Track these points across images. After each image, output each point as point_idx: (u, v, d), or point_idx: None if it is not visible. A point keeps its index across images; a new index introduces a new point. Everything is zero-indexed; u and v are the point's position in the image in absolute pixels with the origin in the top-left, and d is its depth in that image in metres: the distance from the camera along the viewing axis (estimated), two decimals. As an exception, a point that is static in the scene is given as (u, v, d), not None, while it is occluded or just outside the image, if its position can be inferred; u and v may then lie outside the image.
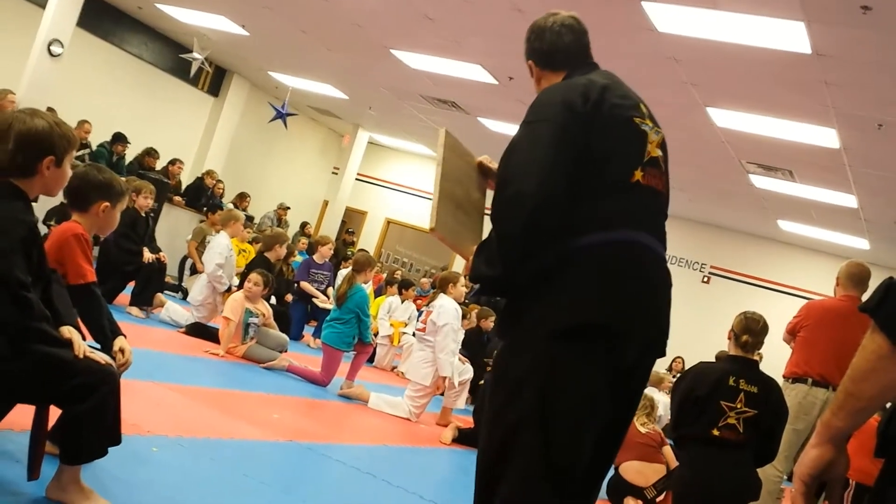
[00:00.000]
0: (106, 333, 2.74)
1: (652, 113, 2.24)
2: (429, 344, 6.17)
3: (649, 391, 6.73)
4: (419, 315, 6.44)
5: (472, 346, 7.99)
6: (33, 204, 2.45)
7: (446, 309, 6.18)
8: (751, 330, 3.91)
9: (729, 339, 4.02)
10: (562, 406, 1.92)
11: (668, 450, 5.36)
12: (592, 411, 1.96)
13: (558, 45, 2.28)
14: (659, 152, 2.16)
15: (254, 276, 6.62)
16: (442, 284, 6.46)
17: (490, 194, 2.20)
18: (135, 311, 6.96)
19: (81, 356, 2.37)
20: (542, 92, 2.16)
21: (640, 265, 2.04)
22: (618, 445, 2.18)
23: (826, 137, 7.71)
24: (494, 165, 2.37)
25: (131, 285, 7.23)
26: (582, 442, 1.95)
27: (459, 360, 6.59)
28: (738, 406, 3.75)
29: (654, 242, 2.09)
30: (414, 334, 8.01)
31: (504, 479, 1.93)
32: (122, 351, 2.70)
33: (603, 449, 2.07)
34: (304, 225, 14.60)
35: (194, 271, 9.19)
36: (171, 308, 7.22)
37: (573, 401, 1.93)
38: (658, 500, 5.22)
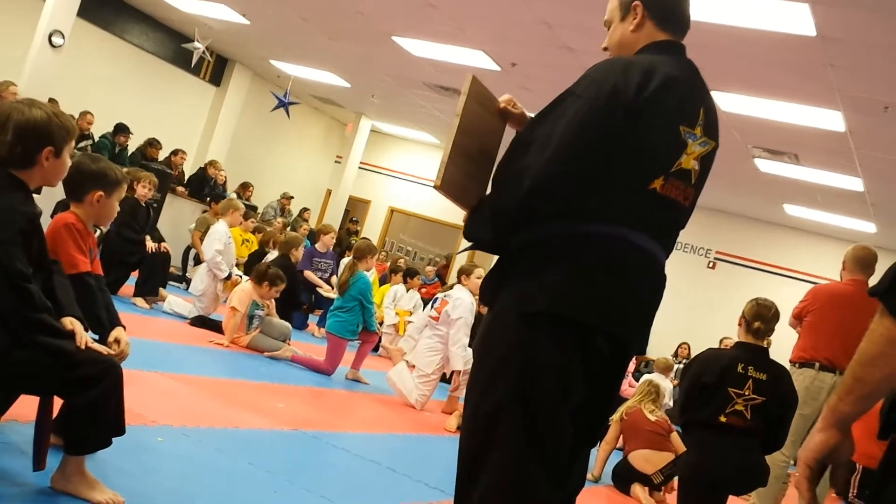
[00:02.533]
0: (103, 324, 2.72)
1: (713, 118, 2.11)
2: (438, 333, 6.16)
3: (656, 377, 6.71)
4: (433, 302, 6.42)
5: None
6: (41, 195, 2.44)
7: (462, 302, 6.16)
8: (762, 317, 3.88)
9: (739, 325, 3.99)
10: (539, 383, 1.91)
11: (675, 437, 5.35)
12: (566, 387, 1.94)
13: (678, 4, 2.14)
14: (694, 165, 2.04)
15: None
16: (458, 275, 6.47)
17: (507, 141, 2.07)
18: (139, 301, 6.96)
19: (83, 347, 2.36)
20: (602, 64, 2.02)
21: (627, 264, 1.98)
22: (596, 429, 2.14)
23: (832, 120, 7.66)
24: (519, 109, 2.25)
25: (135, 276, 7.23)
26: (561, 417, 1.94)
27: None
28: (746, 393, 3.73)
29: (653, 246, 2.02)
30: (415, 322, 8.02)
31: (489, 460, 1.92)
32: (117, 342, 2.69)
33: (580, 428, 2.03)
34: (303, 211, 14.55)
35: (198, 261, 9.19)
36: (172, 301, 7.21)
37: (549, 377, 1.91)
38: (665, 486, 5.22)
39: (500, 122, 2.21)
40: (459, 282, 6.38)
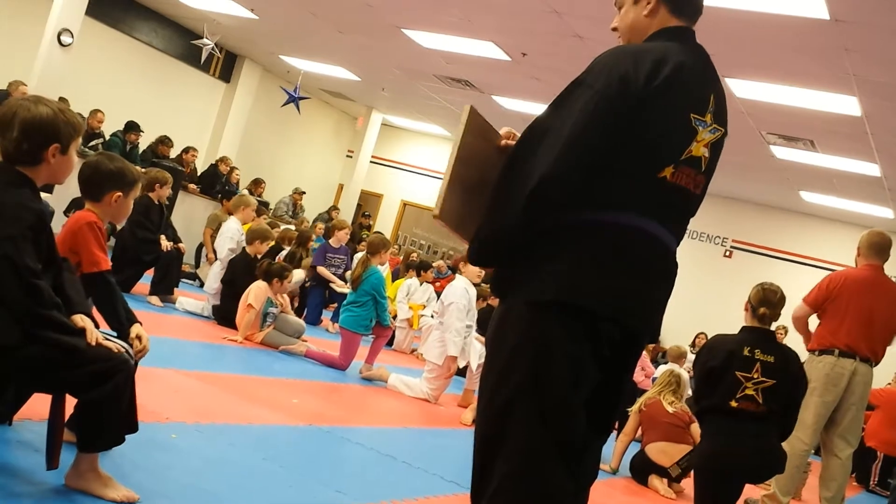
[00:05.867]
0: (122, 321, 2.73)
1: (723, 105, 2.08)
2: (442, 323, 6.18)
3: (675, 367, 6.64)
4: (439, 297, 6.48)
5: (486, 325, 7.91)
6: (53, 195, 2.44)
7: (454, 288, 6.19)
8: (768, 302, 3.87)
9: (746, 310, 3.98)
10: (552, 371, 1.90)
11: (695, 429, 5.29)
12: (578, 374, 1.92)
13: None
14: (704, 152, 2.03)
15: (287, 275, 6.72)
16: (455, 264, 6.51)
17: None
18: (154, 300, 6.96)
19: (94, 344, 2.35)
20: (612, 51, 1.99)
21: (637, 252, 1.96)
22: (609, 417, 2.11)
23: (847, 105, 7.57)
24: None
25: (150, 274, 7.23)
26: (574, 405, 1.93)
27: (479, 340, 6.58)
28: (755, 376, 3.70)
29: (664, 234, 2.00)
30: (433, 316, 8.01)
31: (504, 450, 1.91)
32: (139, 338, 2.69)
33: (593, 416, 2.01)
34: (331, 209, 14.48)
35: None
36: (184, 301, 7.18)
37: (561, 365, 1.90)
38: (683, 477, 5.17)
39: (500, 154, 2.14)
40: (459, 271, 6.41)
